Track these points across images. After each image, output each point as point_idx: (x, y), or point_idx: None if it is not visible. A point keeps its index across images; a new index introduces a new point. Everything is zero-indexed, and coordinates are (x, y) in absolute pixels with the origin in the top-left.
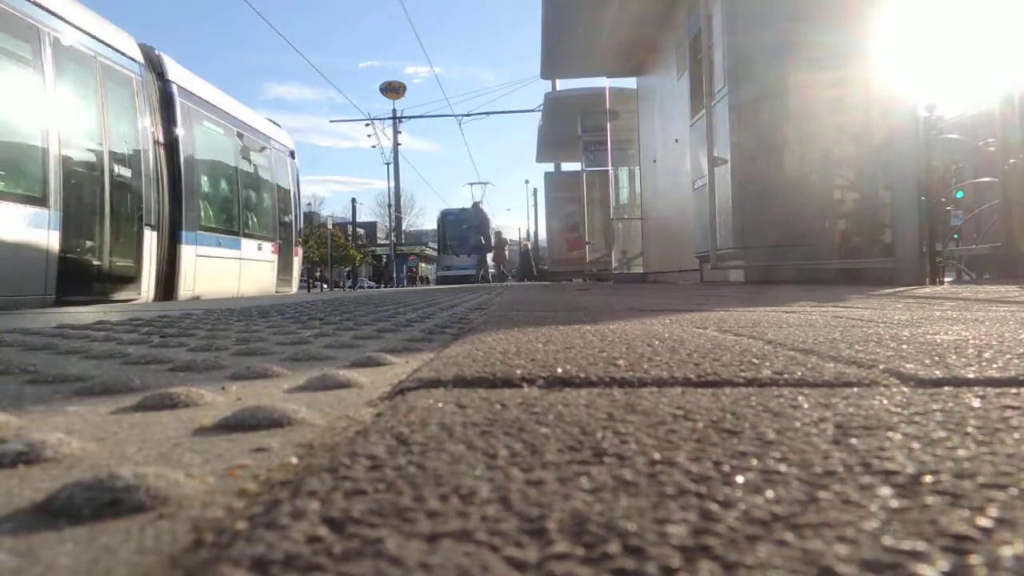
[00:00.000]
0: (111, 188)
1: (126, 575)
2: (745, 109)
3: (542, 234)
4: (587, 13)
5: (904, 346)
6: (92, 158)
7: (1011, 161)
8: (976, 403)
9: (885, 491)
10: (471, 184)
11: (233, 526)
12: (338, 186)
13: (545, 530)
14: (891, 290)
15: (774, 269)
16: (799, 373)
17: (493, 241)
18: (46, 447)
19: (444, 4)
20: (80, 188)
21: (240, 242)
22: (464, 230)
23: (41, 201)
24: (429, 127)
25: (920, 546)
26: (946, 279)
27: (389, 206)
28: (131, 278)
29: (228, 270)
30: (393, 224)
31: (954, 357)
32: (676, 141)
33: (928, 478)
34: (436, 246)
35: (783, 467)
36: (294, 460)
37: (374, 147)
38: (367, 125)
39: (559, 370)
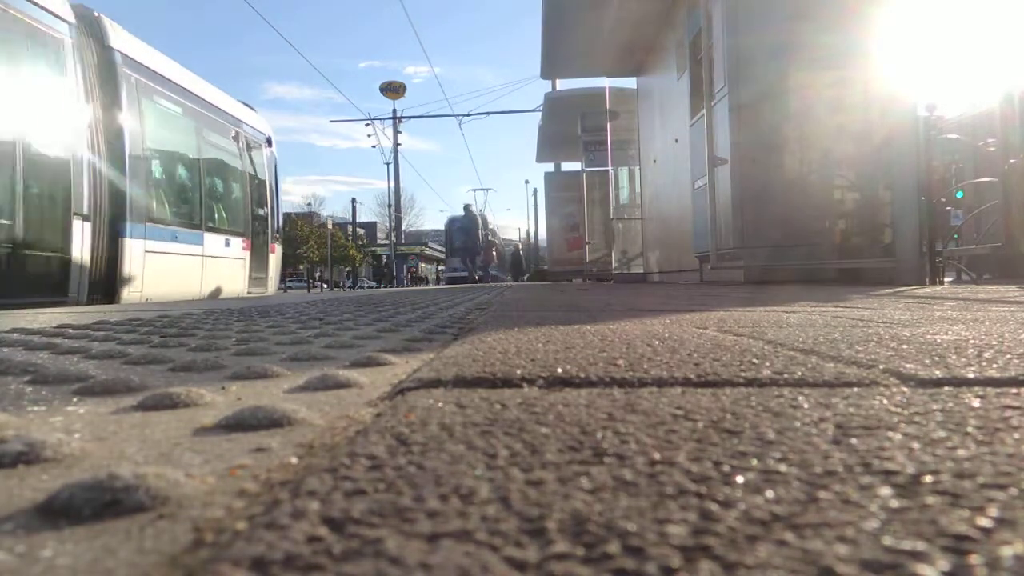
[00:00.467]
0: (25, 170)
1: (126, 575)
2: (745, 109)
3: (542, 234)
4: (587, 13)
5: (904, 346)
6: None
7: (1011, 161)
8: (976, 403)
9: (885, 491)
10: (474, 190)
11: (233, 526)
12: (338, 186)
13: (545, 530)
14: (891, 290)
15: (774, 269)
16: (799, 373)
17: (482, 243)
18: (46, 447)
19: (444, 4)
20: None
21: (202, 237)
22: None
23: None
24: (429, 127)
25: (920, 546)
26: (946, 279)
27: (389, 206)
28: (54, 276)
29: (187, 268)
30: (393, 224)
31: (954, 357)
32: (676, 141)
33: (928, 478)
34: (436, 247)
35: (783, 467)
36: (294, 460)
37: (374, 147)
38: (367, 125)
39: (559, 370)
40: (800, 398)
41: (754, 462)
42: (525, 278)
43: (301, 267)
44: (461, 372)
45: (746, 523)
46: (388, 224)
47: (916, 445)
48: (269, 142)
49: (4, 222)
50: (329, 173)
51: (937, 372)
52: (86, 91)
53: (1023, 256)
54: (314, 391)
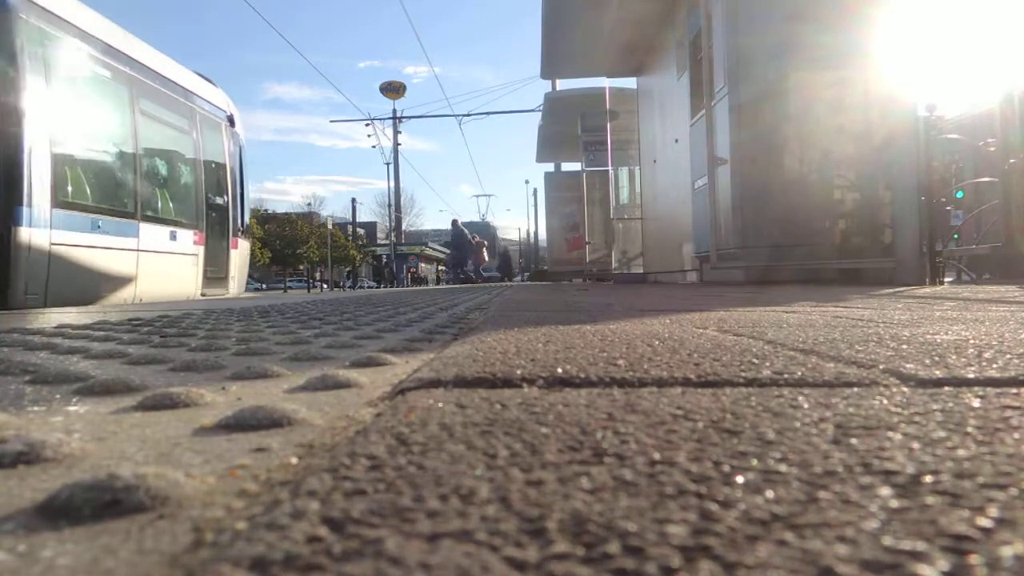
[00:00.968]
0: None
1: (126, 575)
2: (745, 109)
3: (542, 234)
4: (587, 13)
5: (904, 346)
6: None
7: (1011, 161)
8: (976, 403)
9: (885, 491)
10: (477, 196)
11: (233, 526)
12: (338, 186)
13: (545, 530)
14: (891, 290)
15: (774, 269)
16: (799, 373)
17: (471, 247)
18: (46, 447)
19: (444, 4)
20: None
21: (138, 228)
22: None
23: None
24: (429, 127)
25: (920, 546)
26: (946, 279)
27: (389, 206)
28: None
29: (115, 266)
30: (393, 224)
31: (954, 357)
32: (676, 141)
33: (928, 478)
34: (436, 247)
35: (783, 467)
36: (294, 460)
37: (374, 147)
38: (367, 125)
39: (559, 370)
40: (800, 398)
41: (754, 462)
42: (519, 278)
43: (301, 267)
44: (461, 372)
45: (746, 523)
46: (388, 224)
47: (916, 445)
48: (231, 121)
49: None
50: (329, 173)
51: (937, 372)
52: None
53: (1023, 256)
54: (314, 391)
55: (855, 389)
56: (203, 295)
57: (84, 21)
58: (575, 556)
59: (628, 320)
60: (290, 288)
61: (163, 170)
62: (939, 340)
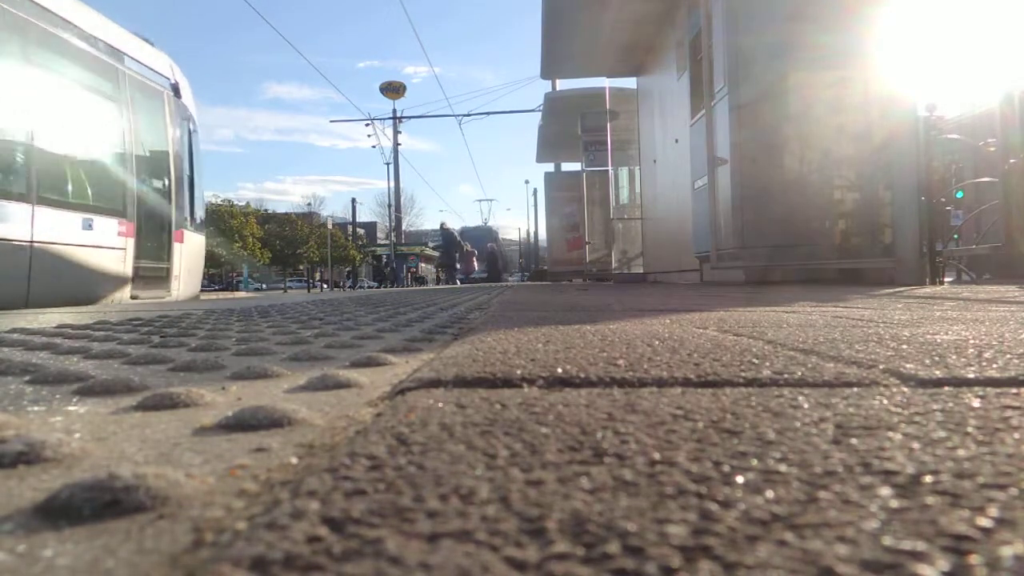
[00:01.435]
0: None
1: (126, 575)
2: (745, 109)
3: (542, 234)
4: (587, 13)
5: (904, 346)
6: None
7: (1011, 161)
8: (976, 403)
9: (885, 491)
10: (479, 200)
11: (233, 526)
12: (338, 186)
13: (545, 530)
14: (891, 290)
15: (774, 269)
16: (799, 373)
17: (459, 252)
18: (46, 447)
19: (444, 4)
20: None
21: (29, 213)
22: (472, 243)
23: None
24: (429, 127)
25: (920, 546)
26: (946, 279)
27: (389, 206)
28: None
29: None
30: (393, 224)
31: (954, 357)
32: (676, 141)
33: (928, 478)
34: (439, 249)
35: (783, 467)
36: (294, 460)
37: (374, 147)
38: (367, 125)
39: (559, 370)
40: (800, 398)
41: (754, 462)
42: (514, 279)
43: (301, 267)
44: (461, 372)
45: (746, 523)
46: (388, 224)
47: (916, 445)
48: (176, 91)
49: None
50: (329, 173)
51: (937, 372)
52: None
53: (1023, 256)
54: (314, 391)
55: (855, 389)
56: (134, 298)
57: None
58: (575, 556)
59: (628, 320)
60: (290, 288)
61: (71, 144)
62: (939, 340)
